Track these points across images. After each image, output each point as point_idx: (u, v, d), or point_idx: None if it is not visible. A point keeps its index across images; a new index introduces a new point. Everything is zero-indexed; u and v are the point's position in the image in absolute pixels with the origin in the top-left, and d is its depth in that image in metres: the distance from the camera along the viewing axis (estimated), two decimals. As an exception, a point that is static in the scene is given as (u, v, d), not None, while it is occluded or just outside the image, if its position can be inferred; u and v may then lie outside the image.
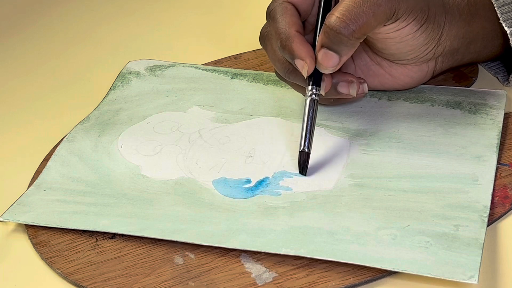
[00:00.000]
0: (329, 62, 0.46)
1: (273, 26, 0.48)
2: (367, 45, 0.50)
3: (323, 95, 0.48)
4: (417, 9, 0.46)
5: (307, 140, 0.47)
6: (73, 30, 0.67)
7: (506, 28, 0.48)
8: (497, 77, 0.53)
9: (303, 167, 0.47)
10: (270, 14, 0.49)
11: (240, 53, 0.60)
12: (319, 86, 0.48)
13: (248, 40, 0.59)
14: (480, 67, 0.55)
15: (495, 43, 0.51)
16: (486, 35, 0.50)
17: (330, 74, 0.48)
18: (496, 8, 0.48)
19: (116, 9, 0.69)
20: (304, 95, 0.48)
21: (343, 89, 0.49)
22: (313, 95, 0.47)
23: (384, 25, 0.46)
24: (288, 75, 0.49)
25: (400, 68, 0.50)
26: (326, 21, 0.46)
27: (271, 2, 0.49)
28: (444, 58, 0.50)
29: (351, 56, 0.51)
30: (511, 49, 0.50)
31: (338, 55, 0.46)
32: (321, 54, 0.46)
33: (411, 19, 0.46)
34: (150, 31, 0.66)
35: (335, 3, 0.48)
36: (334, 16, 0.45)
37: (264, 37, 0.50)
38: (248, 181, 0.48)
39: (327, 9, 0.48)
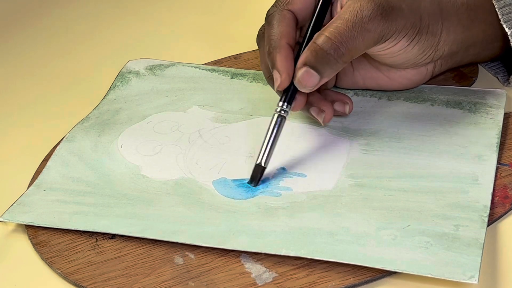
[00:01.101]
0: (309, 81, 0.45)
1: (267, 31, 0.48)
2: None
3: (289, 113, 0.47)
4: (407, 27, 0.46)
5: (265, 155, 0.46)
6: (73, 30, 0.67)
7: (507, 29, 0.48)
8: (497, 77, 0.53)
9: (256, 180, 0.47)
10: (268, 18, 0.49)
11: (240, 53, 0.60)
12: (290, 104, 0.47)
13: (248, 40, 0.58)
14: (480, 67, 0.55)
15: (494, 46, 0.51)
16: (485, 38, 0.50)
17: (307, 93, 0.48)
18: (497, 9, 0.48)
19: (116, 9, 0.69)
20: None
21: (313, 112, 0.48)
22: (282, 112, 0.47)
23: (374, 46, 0.46)
24: (268, 80, 0.49)
25: (399, 71, 0.50)
26: (315, 40, 0.45)
27: (272, 5, 0.49)
28: (443, 61, 0.50)
29: (351, 61, 0.51)
30: (511, 51, 0.50)
31: (320, 76, 0.45)
32: (302, 71, 0.45)
33: (401, 38, 0.46)
34: (150, 31, 0.66)
35: (328, 20, 0.47)
36: (324, 36, 0.45)
37: (259, 37, 0.50)
38: (248, 181, 0.48)
39: (317, 27, 0.47)
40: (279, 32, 0.47)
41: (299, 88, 0.46)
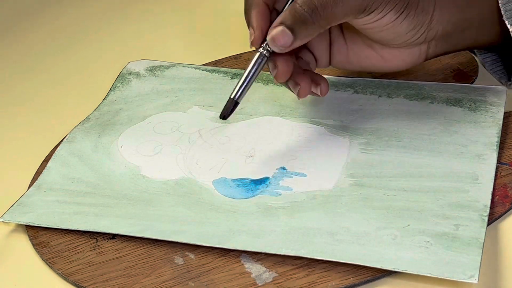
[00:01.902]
0: (282, 40, 0.45)
1: None
2: None
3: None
4: (394, 0, 0.46)
5: (240, 90, 0.46)
6: (73, 31, 0.67)
7: (508, 26, 0.47)
8: (501, 82, 0.53)
9: (226, 113, 0.46)
10: None
11: (240, 53, 0.60)
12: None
13: (248, 40, 0.58)
14: (480, 66, 0.54)
15: (491, 31, 0.50)
16: (482, 22, 0.49)
17: (289, 62, 0.47)
18: (500, 5, 0.47)
19: (116, 9, 0.69)
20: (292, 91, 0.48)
21: (290, 84, 0.48)
22: (264, 51, 0.46)
23: (358, 18, 0.46)
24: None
25: (392, 51, 0.50)
26: (296, 0, 0.45)
27: None
28: (437, 42, 0.49)
29: (344, 38, 0.50)
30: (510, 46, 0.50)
31: (294, 37, 0.45)
32: (278, 30, 0.45)
33: (388, 10, 0.46)
34: (150, 31, 0.66)
35: None
36: None
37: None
38: (249, 181, 0.48)
39: None
40: None
41: (270, 46, 0.46)
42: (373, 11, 0.46)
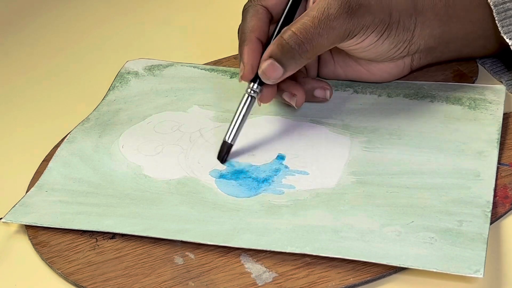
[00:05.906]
0: (273, 73, 0.47)
1: (241, 25, 0.49)
2: None
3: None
4: (375, 23, 0.47)
5: (233, 133, 0.48)
6: (71, 30, 0.67)
7: (508, 41, 0.48)
8: (501, 81, 0.53)
9: (222, 157, 0.48)
10: (243, 13, 0.50)
11: (240, 53, 0.60)
12: (261, 85, 0.48)
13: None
14: (480, 67, 0.55)
15: (476, 44, 0.51)
16: (466, 36, 0.50)
17: (276, 85, 0.49)
18: (497, 21, 0.48)
19: (115, 9, 0.69)
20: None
21: (286, 97, 0.50)
22: (252, 92, 0.48)
23: (341, 43, 0.47)
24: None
25: (377, 65, 0.51)
26: (282, 34, 0.46)
27: (248, 0, 0.50)
28: (421, 54, 0.51)
29: (331, 53, 0.52)
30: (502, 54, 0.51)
31: (284, 69, 0.46)
32: (267, 64, 0.47)
33: (369, 33, 0.47)
34: (150, 31, 0.66)
35: (299, 14, 0.49)
36: (291, 31, 0.46)
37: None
38: (251, 179, 0.48)
39: (288, 22, 0.48)
40: (250, 26, 0.48)
41: (263, 80, 0.48)
42: (355, 35, 0.47)
